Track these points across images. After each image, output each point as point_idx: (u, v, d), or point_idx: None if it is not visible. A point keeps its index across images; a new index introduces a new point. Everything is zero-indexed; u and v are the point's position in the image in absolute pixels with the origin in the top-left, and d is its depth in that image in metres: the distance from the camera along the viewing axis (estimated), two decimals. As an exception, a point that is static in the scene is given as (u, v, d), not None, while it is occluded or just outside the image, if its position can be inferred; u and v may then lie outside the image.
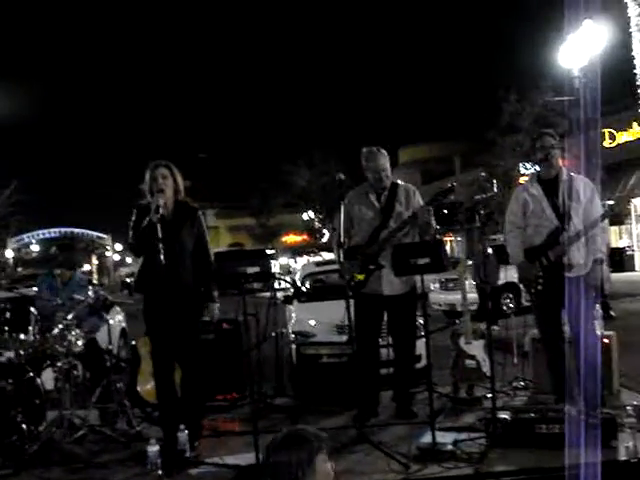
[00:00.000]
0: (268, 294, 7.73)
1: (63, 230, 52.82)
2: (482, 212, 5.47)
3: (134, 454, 5.30)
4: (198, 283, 5.46)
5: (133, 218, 5.44)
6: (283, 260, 48.27)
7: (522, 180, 28.68)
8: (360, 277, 5.81)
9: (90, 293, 6.33)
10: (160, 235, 5.12)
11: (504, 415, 5.06)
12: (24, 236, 50.52)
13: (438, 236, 5.87)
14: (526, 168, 29.07)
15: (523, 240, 5.77)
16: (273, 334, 7.21)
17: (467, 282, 7.26)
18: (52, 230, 52.04)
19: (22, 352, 5.89)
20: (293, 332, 8.48)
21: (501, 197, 27.81)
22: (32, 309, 6.14)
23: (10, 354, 6.06)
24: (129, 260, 63.62)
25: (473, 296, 11.71)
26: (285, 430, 3.03)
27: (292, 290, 9.78)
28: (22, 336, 5.86)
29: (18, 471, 5.00)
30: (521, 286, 5.90)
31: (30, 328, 5.92)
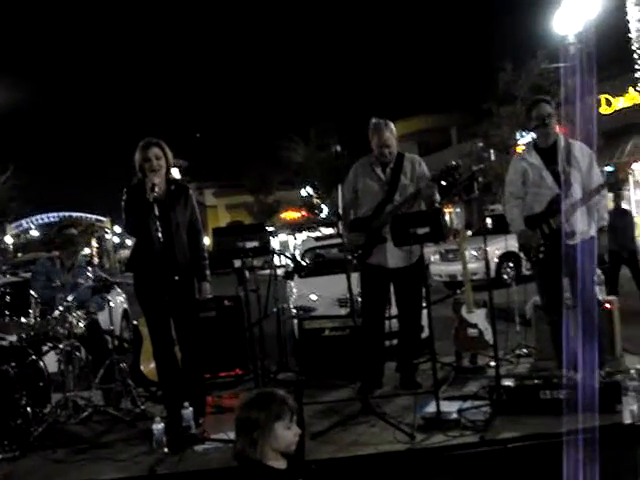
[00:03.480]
0: (268, 271, 7.73)
1: (62, 214, 52.64)
2: (480, 181, 5.39)
3: (139, 433, 5.33)
4: (192, 261, 5.45)
5: (124, 198, 5.41)
6: (282, 237, 48.27)
7: (519, 149, 28.68)
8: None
9: (89, 274, 6.32)
10: (157, 214, 5.10)
11: (508, 382, 5.07)
12: (23, 221, 50.41)
13: (437, 205, 5.82)
14: (523, 137, 29.01)
15: (523, 209, 5.74)
16: (275, 310, 7.21)
17: (467, 252, 7.26)
18: (51, 215, 51.90)
19: (24, 335, 5.90)
20: (294, 307, 8.50)
21: (499, 167, 27.77)
22: (32, 292, 6.13)
23: (12, 338, 6.07)
24: (129, 242, 63.58)
25: (473, 266, 11.74)
26: (255, 391, 3.10)
27: (292, 265, 9.79)
28: (23, 319, 5.86)
29: (24, 453, 5.02)
30: (521, 254, 5.86)
31: (31, 311, 5.92)
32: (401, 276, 5.95)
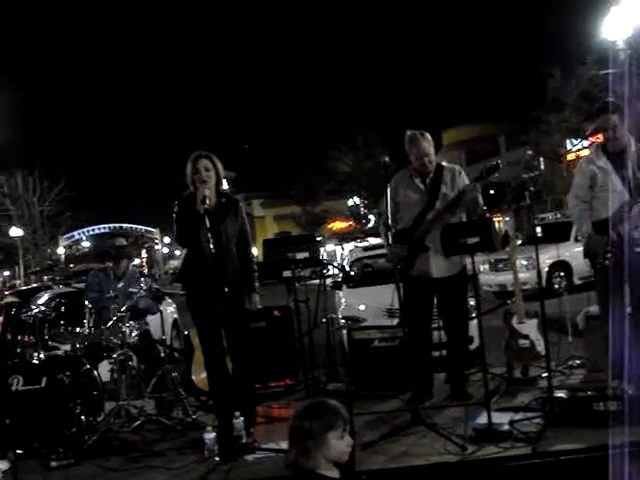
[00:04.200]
0: (317, 281, 7.75)
1: (112, 225, 53.47)
2: (531, 190, 5.33)
3: (191, 442, 5.37)
4: (242, 273, 5.50)
5: (176, 210, 5.48)
6: (330, 247, 48.31)
7: (570, 157, 28.31)
8: None
9: (143, 285, 6.42)
10: (208, 225, 5.17)
11: (560, 394, 5.00)
12: (74, 233, 51.30)
13: (487, 215, 5.75)
14: (573, 144, 28.65)
15: (590, 214, 5.57)
16: (324, 320, 7.23)
17: (518, 262, 7.18)
18: (102, 226, 52.71)
19: (78, 345, 6.02)
20: (343, 317, 8.49)
21: (549, 175, 27.48)
22: (86, 302, 6.25)
23: (67, 347, 6.19)
24: (178, 252, 64.33)
25: (523, 276, 11.61)
26: (309, 401, 3.12)
27: (341, 276, 9.79)
28: (78, 329, 5.98)
29: (79, 461, 5.10)
30: (586, 260, 5.68)
31: (85, 321, 6.03)
32: (445, 286, 5.91)
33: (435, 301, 6.10)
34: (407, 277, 5.75)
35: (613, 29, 19.77)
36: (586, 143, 27.67)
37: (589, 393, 5.04)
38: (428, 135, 5.97)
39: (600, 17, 20.68)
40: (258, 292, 5.64)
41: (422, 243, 5.86)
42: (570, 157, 28.34)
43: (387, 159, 5.51)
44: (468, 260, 5.79)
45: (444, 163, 6.15)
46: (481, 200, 5.79)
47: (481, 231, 4.98)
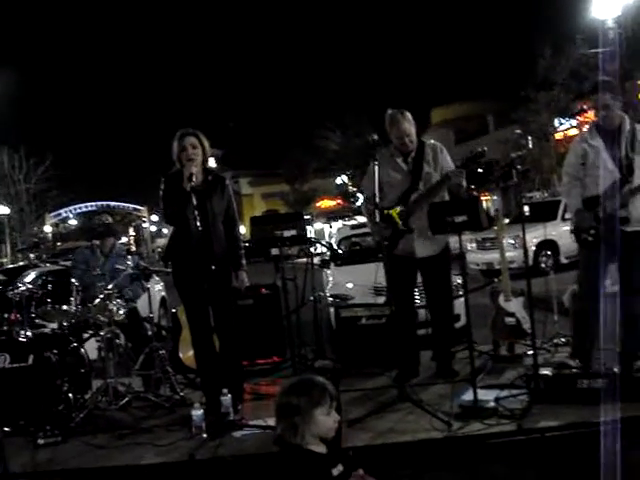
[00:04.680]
0: (304, 260, 7.75)
1: (99, 203, 53.17)
2: (519, 168, 5.33)
3: (178, 419, 5.39)
4: (229, 251, 5.50)
5: (162, 187, 5.47)
6: (318, 225, 48.30)
7: (559, 135, 28.33)
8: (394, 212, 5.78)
9: (129, 262, 6.40)
10: (195, 203, 5.16)
11: (545, 371, 5.05)
12: (61, 211, 51.02)
13: (475, 193, 5.76)
14: (561, 123, 28.68)
15: (581, 190, 5.54)
16: (311, 298, 7.24)
17: (505, 240, 7.20)
18: (89, 204, 52.37)
19: (65, 323, 6.01)
20: (331, 295, 8.52)
21: (537, 154, 27.52)
22: (73, 280, 6.23)
23: (54, 325, 6.18)
24: (165, 231, 64.19)
25: (510, 254, 11.65)
26: (296, 377, 3.14)
27: (329, 254, 9.80)
28: (64, 307, 5.96)
29: (66, 438, 5.11)
30: (572, 236, 5.70)
31: (72, 299, 6.02)
32: (429, 265, 5.95)
33: (420, 280, 6.14)
34: (391, 256, 5.76)
35: (603, 8, 19.76)
36: (574, 122, 27.72)
37: (574, 370, 5.10)
38: (409, 114, 5.95)
39: (589, -4, 20.67)
40: (245, 270, 5.65)
41: (406, 224, 5.88)
42: (558, 136, 28.38)
43: (376, 137, 5.52)
44: (453, 239, 5.81)
45: (426, 141, 6.15)
46: (465, 183, 5.80)
47: (468, 210, 4.99)
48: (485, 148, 5.71)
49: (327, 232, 38.47)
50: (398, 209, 5.84)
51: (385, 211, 5.71)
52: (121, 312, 6.07)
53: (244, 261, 5.64)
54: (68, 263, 9.70)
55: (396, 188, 5.94)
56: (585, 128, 6.39)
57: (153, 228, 70.18)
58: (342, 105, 45.95)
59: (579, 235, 5.49)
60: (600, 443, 4.17)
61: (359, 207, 42.09)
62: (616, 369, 4.93)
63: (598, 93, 5.41)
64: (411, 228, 5.85)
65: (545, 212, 15.99)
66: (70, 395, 5.52)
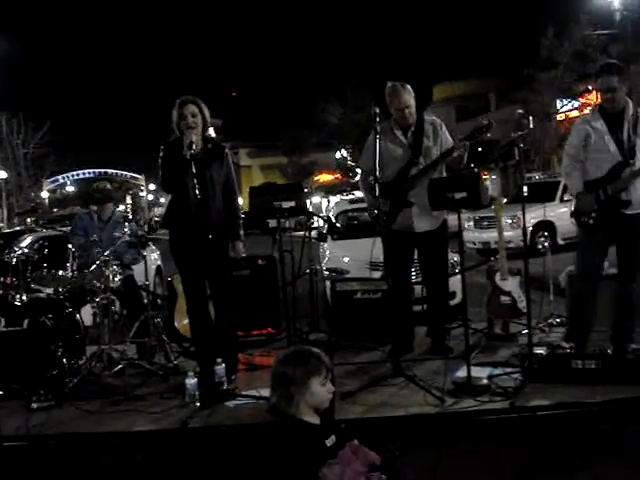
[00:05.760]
0: (302, 232, 7.74)
1: (97, 170, 53.03)
2: (521, 147, 5.28)
3: (172, 387, 5.41)
4: (227, 219, 5.49)
5: (161, 155, 5.43)
6: (315, 199, 48.27)
7: (560, 117, 28.23)
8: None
9: (127, 229, 6.38)
10: (194, 171, 5.13)
11: (540, 350, 5.06)
12: (59, 177, 50.89)
13: (475, 170, 5.73)
14: (563, 104, 28.56)
15: (583, 173, 5.50)
16: (308, 271, 7.24)
17: (502, 220, 7.20)
18: (86, 170, 52.25)
19: (61, 288, 6.00)
20: (327, 269, 8.51)
21: (538, 134, 27.42)
22: (70, 246, 6.21)
23: (49, 290, 6.18)
24: (162, 200, 64.09)
25: (507, 234, 11.65)
26: (292, 347, 3.15)
27: (326, 227, 9.79)
28: (60, 272, 5.95)
29: (60, 403, 5.12)
30: (572, 219, 5.68)
31: (68, 265, 6.01)
32: (426, 240, 5.94)
33: (416, 255, 6.13)
34: (389, 231, 5.74)
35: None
36: (576, 103, 27.60)
37: (567, 351, 5.11)
38: (409, 86, 5.91)
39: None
40: (242, 240, 5.63)
41: (405, 198, 5.86)
42: (560, 117, 28.27)
43: (377, 110, 5.45)
44: (451, 217, 5.80)
45: (425, 116, 6.11)
46: (466, 158, 5.78)
47: (469, 187, 4.96)
48: (492, 121, 5.67)
49: (324, 206, 38.44)
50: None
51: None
52: (117, 279, 6.06)
53: (242, 231, 5.61)
54: (65, 229, 9.68)
55: (395, 161, 5.91)
56: (587, 110, 6.35)
57: (150, 197, 70.08)
58: (343, 79, 45.58)
59: (579, 218, 5.47)
60: (591, 424, 4.20)
61: (357, 182, 42.08)
62: (609, 351, 4.95)
63: (606, 76, 5.35)
64: (410, 202, 5.83)
65: (543, 193, 15.96)
66: (64, 360, 5.52)
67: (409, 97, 5.88)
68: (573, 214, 5.56)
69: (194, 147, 5.14)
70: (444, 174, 5.92)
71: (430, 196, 5.18)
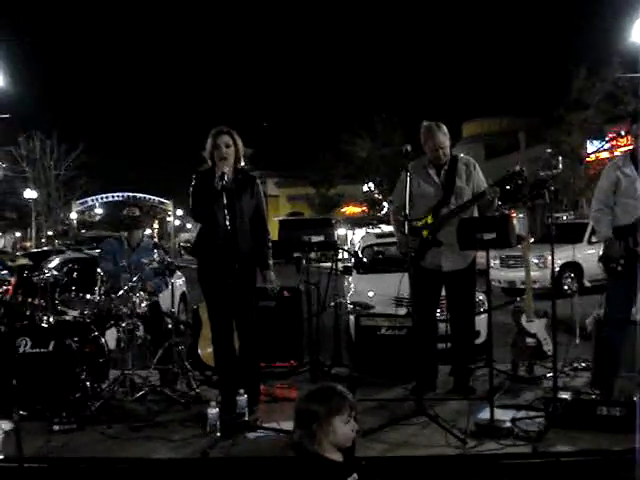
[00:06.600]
0: (327, 264, 7.75)
1: (126, 194, 53.43)
2: (552, 189, 5.28)
3: (193, 415, 5.40)
4: (255, 250, 5.51)
5: (193, 184, 5.49)
6: (341, 231, 48.29)
7: (591, 158, 28.09)
8: (425, 233, 5.79)
9: (156, 257, 6.43)
10: (225, 202, 5.18)
11: (564, 395, 5.00)
12: (88, 199, 51.34)
13: (506, 211, 5.72)
14: (593, 145, 28.44)
15: (612, 218, 5.49)
16: (332, 304, 7.24)
17: (530, 259, 7.16)
18: (116, 194, 52.65)
19: (87, 311, 6.05)
20: (351, 303, 8.50)
21: (567, 175, 27.30)
22: (99, 270, 6.27)
23: (75, 313, 6.22)
24: (189, 226, 64.46)
25: (534, 274, 11.57)
26: (317, 385, 3.14)
27: (352, 261, 9.79)
28: (88, 296, 6.00)
29: (81, 426, 5.14)
30: (600, 264, 5.65)
31: (96, 288, 6.06)
32: (454, 279, 5.93)
33: (443, 293, 6.11)
34: (417, 268, 5.74)
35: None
36: (607, 146, 27.49)
37: (593, 397, 5.05)
38: (444, 127, 5.95)
39: (630, 20, 20.52)
40: (272, 270, 5.65)
41: (435, 237, 5.87)
42: (590, 158, 28.16)
43: (409, 147, 5.47)
44: (478, 254, 5.79)
45: (459, 155, 6.14)
46: (497, 203, 5.79)
47: (498, 227, 4.96)
48: (524, 168, 5.67)
49: (349, 238, 38.37)
50: (426, 231, 5.83)
51: (416, 222, 5.72)
52: (143, 305, 6.11)
53: (271, 261, 5.64)
54: (91, 252, 9.77)
55: (427, 200, 5.92)
56: (617, 153, 6.34)
57: (177, 222, 70.46)
58: (374, 113, 45.62)
59: (607, 264, 5.44)
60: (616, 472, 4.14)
61: (384, 215, 42.03)
62: (636, 398, 4.88)
63: (638, 121, 5.35)
64: (439, 241, 5.84)
65: (571, 234, 15.86)
66: (87, 383, 5.55)
67: (444, 138, 5.91)
68: (601, 259, 5.53)
69: (226, 178, 5.19)
70: (475, 214, 5.91)
71: (459, 235, 5.18)
